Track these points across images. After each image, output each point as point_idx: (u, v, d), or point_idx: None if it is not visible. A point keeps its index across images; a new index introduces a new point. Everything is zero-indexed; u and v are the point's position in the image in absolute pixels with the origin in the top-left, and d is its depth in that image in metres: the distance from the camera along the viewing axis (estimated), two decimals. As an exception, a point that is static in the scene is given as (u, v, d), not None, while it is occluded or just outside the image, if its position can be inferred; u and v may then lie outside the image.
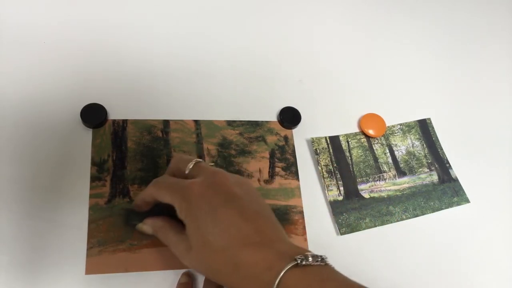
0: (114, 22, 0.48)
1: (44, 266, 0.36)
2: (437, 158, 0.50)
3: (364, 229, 0.44)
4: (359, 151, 0.48)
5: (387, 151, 0.49)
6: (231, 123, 0.46)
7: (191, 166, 0.35)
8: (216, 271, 0.31)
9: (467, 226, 0.47)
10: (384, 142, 0.50)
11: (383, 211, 0.45)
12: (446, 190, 0.49)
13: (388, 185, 0.47)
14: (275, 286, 0.28)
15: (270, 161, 0.45)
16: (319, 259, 0.30)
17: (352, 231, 0.44)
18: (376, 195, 0.46)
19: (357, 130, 0.50)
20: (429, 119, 0.52)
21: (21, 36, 0.44)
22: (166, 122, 0.44)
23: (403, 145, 0.50)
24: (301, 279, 0.28)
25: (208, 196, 0.32)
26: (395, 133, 0.51)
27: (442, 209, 0.47)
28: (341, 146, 0.48)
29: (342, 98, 0.51)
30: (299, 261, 0.29)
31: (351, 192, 0.46)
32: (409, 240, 0.45)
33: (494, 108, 0.56)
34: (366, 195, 0.46)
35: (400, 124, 0.51)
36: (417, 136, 0.51)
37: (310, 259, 0.29)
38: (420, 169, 0.49)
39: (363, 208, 0.45)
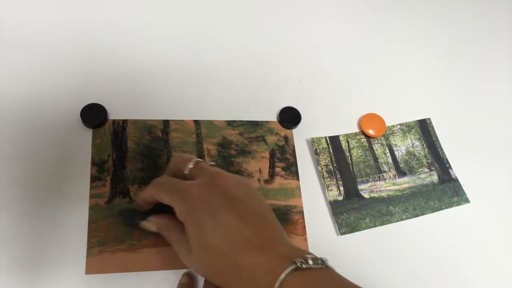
0: (114, 22, 0.48)
1: (44, 266, 0.36)
2: (437, 158, 0.50)
3: (364, 229, 0.44)
4: (359, 151, 0.48)
5: (387, 151, 0.49)
6: (231, 123, 0.46)
7: (191, 166, 0.35)
8: (216, 274, 0.31)
9: (467, 226, 0.47)
10: (384, 142, 0.50)
11: (383, 211, 0.45)
12: (446, 190, 0.49)
13: (388, 185, 0.47)
14: None
15: (270, 161, 0.45)
16: (320, 262, 0.29)
17: (352, 231, 0.44)
18: (376, 195, 0.46)
19: (357, 130, 0.50)
20: (429, 119, 0.52)
21: (21, 36, 0.44)
22: (166, 122, 0.44)
23: (403, 145, 0.50)
24: (301, 283, 0.28)
25: (207, 198, 0.32)
26: (395, 133, 0.51)
27: (442, 209, 0.47)
28: (341, 146, 0.48)
29: (342, 98, 0.51)
30: (299, 264, 0.28)
31: (351, 192, 0.46)
32: (409, 240, 0.45)
33: (494, 108, 0.56)
34: (366, 195, 0.46)
35: (400, 124, 0.51)
36: (417, 136, 0.51)
37: (311, 262, 0.29)
38: (420, 169, 0.49)
39: (363, 208, 0.45)
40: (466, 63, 0.59)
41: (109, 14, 0.48)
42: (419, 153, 0.50)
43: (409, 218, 0.46)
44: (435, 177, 0.49)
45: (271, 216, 0.34)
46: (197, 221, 0.31)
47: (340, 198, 0.45)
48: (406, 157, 0.50)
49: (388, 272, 0.43)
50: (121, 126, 0.43)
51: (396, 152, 0.50)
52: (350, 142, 0.48)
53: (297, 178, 0.45)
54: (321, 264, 0.29)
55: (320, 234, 0.43)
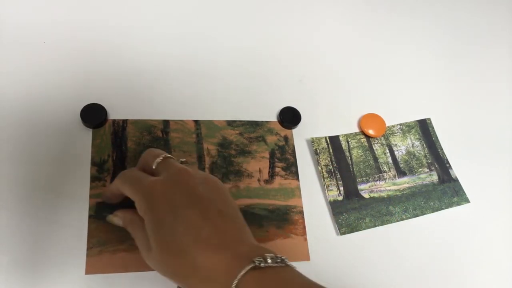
0: (114, 22, 0.48)
1: (44, 266, 0.36)
2: (437, 158, 0.50)
3: (364, 229, 0.44)
4: (359, 151, 0.48)
5: (387, 151, 0.49)
6: (231, 123, 0.46)
7: (158, 161, 0.34)
8: (174, 273, 0.30)
9: (467, 226, 0.47)
10: (384, 142, 0.50)
11: (383, 211, 0.45)
12: (446, 190, 0.49)
13: (388, 185, 0.47)
14: None
15: (270, 161, 0.45)
16: (279, 261, 0.29)
17: (352, 231, 0.44)
18: (376, 195, 0.46)
19: (357, 130, 0.50)
20: (429, 119, 0.52)
21: (21, 36, 0.44)
22: (166, 122, 0.44)
23: (403, 145, 0.50)
24: (258, 283, 0.28)
25: (169, 195, 0.31)
26: (395, 133, 0.51)
27: (442, 209, 0.47)
28: (341, 146, 0.48)
29: (342, 98, 0.51)
30: (257, 263, 0.28)
31: (351, 192, 0.46)
32: (409, 240, 0.45)
33: (494, 108, 0.56)
34: (366, 195, 0.46)
35: (400, 124, 0.51)
36: (417, 136, 0.51)
37: (269, 260, 0.28)
38: (420, 169, 0.49)
39: (363, 208, 0.45)
40: (466, 63, 0.59)
41: (109, 14, 0.48)
42: (419, 153, 0.50)
43: (409, 218, 0.46)
44: (435, 177, 0.49)
45: (235, 215, 0.33)
46: (156, 218, 0.30)
47: (340, 198, 0.45)
48: (406, 157, 0.50)
49: (388, 272, 0.43)
50: (121, 126, 0.43)
51: (396, 152, 0.50)
52: (350, 142, 0.48)
53: (297, 178, 0.45)
54: (281, 263, 0.29)
55: (320, 234, 0.43)
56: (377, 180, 0.47)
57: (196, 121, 0.45)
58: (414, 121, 0.52)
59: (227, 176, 0.43)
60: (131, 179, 0.33)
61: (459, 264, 0.45)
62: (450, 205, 0.48)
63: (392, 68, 0.55)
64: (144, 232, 0.32)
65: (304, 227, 0.43)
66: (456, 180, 0.49)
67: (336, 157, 0.47)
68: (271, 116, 0.48)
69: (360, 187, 0.46)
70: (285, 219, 0.43)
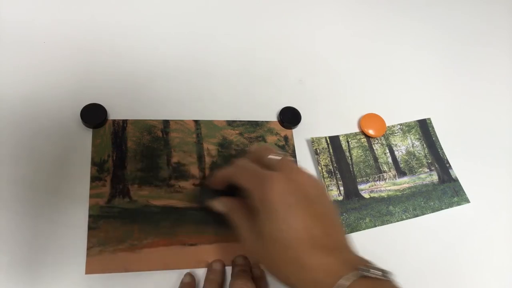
0: (114, 22, 0.48)
1: (44, 266, 0.36)
2: (437, 158, 0.50)
3: (364, 229, 0.44)
4: (359, 151, 0.48)
5: (387, 151, 0.49)
6: (231, 123, 0.46)
7: (272, 157, 0.35)
8: (277, 266, 0.32)
9: (467, 226, 0.47)
10: (384, 142, 0.50)
11: (383, 211, 0.45)
12: (446, 190, 0.49)
13: (388, 185, 0.47)
14: None
15: (270, 161, 0.45)
16: (381, 273, 0.30)
17: (352, 231, 0.44)
18: (376, 195, 0.46)
19: (357, 130, 0.50)
20: (429, 119, 0.52)
21: (21, 36, 0.44)
22: (166, 122, 0.44)
23: (403, 145, 0.50)
24: None
25: (284, 192, 0.32)
26: (395, 133, 0.51)
27: (442, 209, 0.47)
28: (341, 146, 0.48)
29: (342, 98, 0.51)
30: (362, 272, 0.29)
31: (351, 192, 0.46)
32: (409, 240, 0.45)
33: (494, 108, 0.57)
34: (366, 195, 0.46)
35: (400, 124, 0.51)
36: (417, 136, 0.51)
37: (374, 271, 0.29)
38: (420, 169, 0.49)
39: (363, 208, 0.45)
40: (466, 63, 0.59)
41: (109, 14, 0.48)
42: (419, 153, 0.50)
43: (409, 218, 0.46)
44: (435, 177, 0.49)
45: (338, 220, 0.35)
46: (271, 211, 0.32)
47: (340, 198, 0.45)
48: (406, 157, 0.50)
49: (388, 272, 0.43)
50: (121, 126, 0.43)
51: (396, 152, 0.50)
52: (350, 142, 0.48)
53: (297, 178, 0.45)
54: (383, 276, 0.30)
55: (320, 234, 0.43)
56: (377, 180, 0.47)
57: (196, 121, 0.45)
58: (414, 121, 0.52)
59: (227, 176, 0.43)
60: (249, 171, 0.35)
61: (459, 264, 0.45)
62: (450, 205, 0.48)
63: (392, 68, 0.55)
64: (248, 222, 0.34)
65: (304, 227, 0.43)
66: (456, 180, 0.49)
67: (336, 157, 0.47)
68: (271, 116, 0.48)
69: (360, 187, 0.46)
70: (285, 219, 0.43)
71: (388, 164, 0.49)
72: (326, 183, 0.45)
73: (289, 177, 0.33)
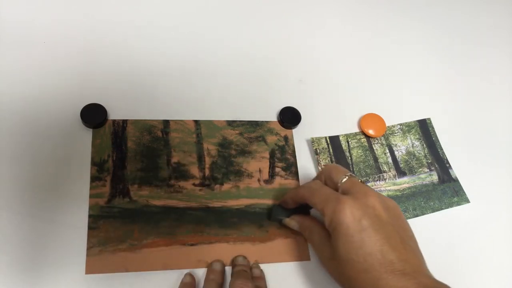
0: (114, 22, 0.48)
1: (44, 266, 0.36)
2: (437, 158, 0.50)
3: (364, 229, 0.44)
4: (359, 151, 0.48)
5: (387, 151, 0.49)
6: (231, 123, 0.46)
7: (344, 180, 0.36)
8: (353, 287, 0.33)
9: (467, 226, 0.47)
10: (384, 142, 0.50)
11: (383, 211, 0.45)
12: (446, 190, 0.49)
13: (388, 185, 0.47)
14: None
15: (270, 161, 0.45)
16: None
17: (352, 231, 0.44)
18: (376, 195, 0.46)
19: (357, 130, 0.50)
20: (429, 119, 0.52)
21: (21, 36, 0.44)
22: (166, 122, 0.44)
23: (403, 145, 0.50)
24: None
25: (358, 216, 0.33)
26: (395, 133, 0.51)
27: (442, 209, 0.47)
28: (341, 146, 0.48)
29: (342, 98, 0.51)
30: None
31: (351, 192, 0.46)
32: (409, 240, 0.45)
33: (494, 108, 0.56)
34: (366, 195, 0.46)
35: (400, 124, 0.51)
36: (417, 136, 0.51)
37: None
38: (420, 169, 0.49)
39: (363, 208, 0.45)
40: (466, 63, 0.59)
41: (109, 14, 0.48)
42: (419, 153, 0.50)
43: (409, 218, 0.46)
44: (435, 177, 0.49)
45: (414, 244, 0.35)
46: (346, 236, 0.33)
47: (340, 198, 0.45)
48: (406, 157, 0.50)
49: (388, 272, 0.43)
50: (121, 126, 0.43)
51: (396, 152, 0.50)
52: (350, 142, 0.49)
53: (297, 178, 0.45)
54: None
55: (320, 234, 0.43)
56: (377, 180, 0.47)
57: (196, 121, 0.45)
58: (414, 121, 0.52)
59: (227, 176, 0.43)
60: (322, 194, 0.36)
61: (459, 264, 0.45)
62: (450, 205, 0.48)
63: (392, 68, 0.55)
64: (323, 240, 0.36)
65: (304, 227, 0.43)
66: (456, 180, 0.49)
67: (336, 157, 0.47)
68: (271, 116, 0.48)
69: (360, 187, 0.46)
70: (285, 219, 0.43)
71: (388, 164, 0.49)
72: (326, 183, 0.45)
73: (361, 200, 0.34)
